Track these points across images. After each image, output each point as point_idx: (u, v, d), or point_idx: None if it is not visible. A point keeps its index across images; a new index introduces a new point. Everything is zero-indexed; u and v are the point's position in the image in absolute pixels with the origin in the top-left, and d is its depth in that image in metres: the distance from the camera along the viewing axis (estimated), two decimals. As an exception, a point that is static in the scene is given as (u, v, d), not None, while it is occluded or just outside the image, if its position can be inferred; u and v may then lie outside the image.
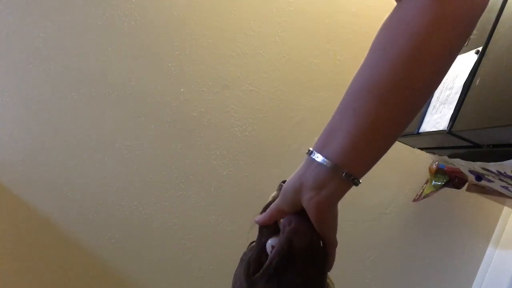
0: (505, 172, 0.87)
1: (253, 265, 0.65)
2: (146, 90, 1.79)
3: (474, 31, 0.99)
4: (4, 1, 1.77)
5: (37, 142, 1.79)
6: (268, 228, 0.67)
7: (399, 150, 1.70)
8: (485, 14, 0.98)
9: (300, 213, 0.61)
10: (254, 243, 0.72)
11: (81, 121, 1.79)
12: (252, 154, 1.80)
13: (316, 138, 0.59)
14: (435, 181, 1.45)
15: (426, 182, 1.56)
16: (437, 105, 1.01)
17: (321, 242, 0.64)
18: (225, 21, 1.79)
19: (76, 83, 1.78)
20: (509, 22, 0.83)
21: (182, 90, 1.79)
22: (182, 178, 1.80)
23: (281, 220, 0.64)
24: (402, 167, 1.78)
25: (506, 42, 0.80)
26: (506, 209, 1.75)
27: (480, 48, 0.89)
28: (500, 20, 0.88)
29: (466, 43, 1.01)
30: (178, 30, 1.79)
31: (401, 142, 1.33)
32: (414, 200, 1.68)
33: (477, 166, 0.98)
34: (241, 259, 0.75)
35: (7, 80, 1.78)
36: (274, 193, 0.70)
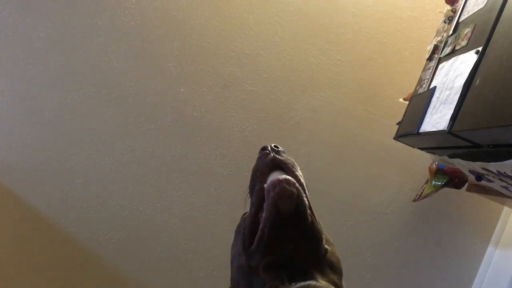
0: (505, 172, 0.87)
1: (248, 238, 0.66)
2: (146, 90, 1.79)
3: (474, 31, 0.99)
4: (4, 1, 1.77)
5: (37, 142, 1.79)
6: (257, 198, 0.67)
7: (399, 150, 1.70)
8: (485, 14, 0.99)
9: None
10: (246, 214, 0.72)
11: (81, 121, 1.79)
12: (252, 154, 1.79)
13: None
14: (435, 181, 1.45)
15: (426, 182, 1.56)
16: (437, 105, 1.01)
17: (308, 202, 0.64)
18: (225, 21, 1.79)
19: (76, 83, 1.78)
20: (509, 22, 0.83)
21: (182, 90, 1.79)
22: (182, 178, 1.80)
23: (265, 186, 0.63)
24: (402, 167, 1.78)
25: (506, 42, 0.79)
26: (506, 209, 1.75)
27: (480, 48, 0.89)
28: (500, 20, 0.88)
29: (466, 43, 1.01)
30: (178, 30, 1.79)
31: (401, 142, 1.33)
32: (414, 200, 1.68)
33: (477, 166, 0.98)
34: (236, 232, 0.75)
35: (7, 80, 1.78)
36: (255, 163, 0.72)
